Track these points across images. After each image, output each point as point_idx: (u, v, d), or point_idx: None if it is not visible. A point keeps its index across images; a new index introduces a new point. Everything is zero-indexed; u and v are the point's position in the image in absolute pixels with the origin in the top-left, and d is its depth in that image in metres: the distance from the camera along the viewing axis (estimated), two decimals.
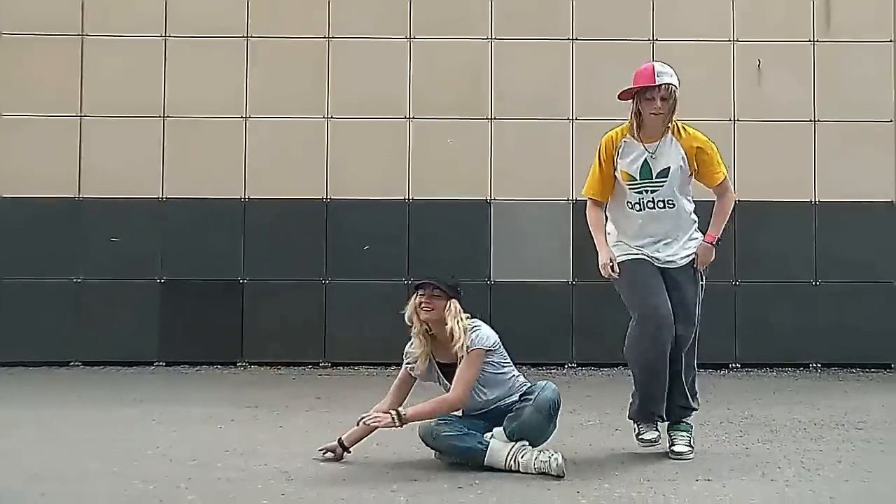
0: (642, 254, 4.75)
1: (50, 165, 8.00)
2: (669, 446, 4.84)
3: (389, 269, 8.02)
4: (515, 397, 4.60)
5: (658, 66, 4.65)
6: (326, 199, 8.05)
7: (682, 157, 4.69)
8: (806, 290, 8.04)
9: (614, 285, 4.79)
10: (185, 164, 8.03)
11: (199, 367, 7.88)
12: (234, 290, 7.98)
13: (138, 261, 7.97)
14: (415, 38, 8.13)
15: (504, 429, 4.51)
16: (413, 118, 8.10)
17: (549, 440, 4.58)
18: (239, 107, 8.06)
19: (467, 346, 4.51)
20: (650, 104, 4.61)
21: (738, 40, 8.15)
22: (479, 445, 4.47)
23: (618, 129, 4.76)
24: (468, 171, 8.06)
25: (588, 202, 4.81)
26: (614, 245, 4.78)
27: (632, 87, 4.64)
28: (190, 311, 7.96)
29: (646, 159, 4.67)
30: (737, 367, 7.97)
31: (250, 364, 7.97)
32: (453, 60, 8.07)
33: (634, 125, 4.68)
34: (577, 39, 8.13)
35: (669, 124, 4.68)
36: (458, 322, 4.49)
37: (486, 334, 4.57)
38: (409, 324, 4.57)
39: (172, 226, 8.00)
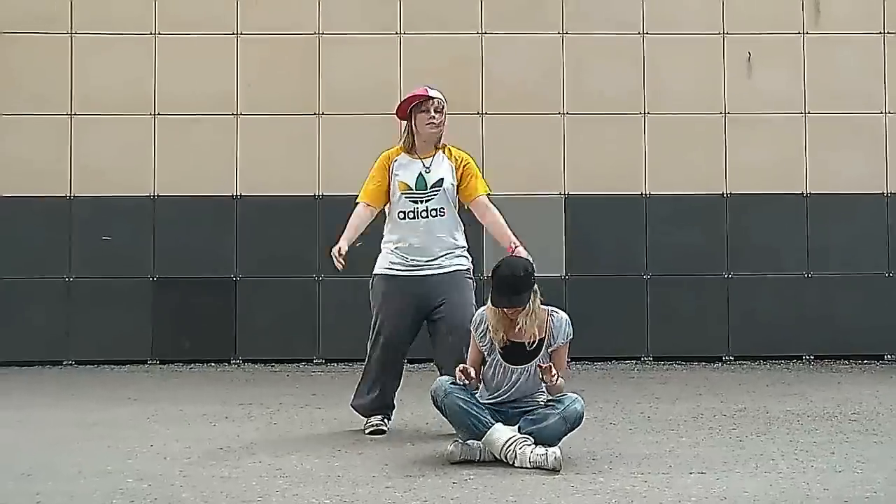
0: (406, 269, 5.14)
1: (41, 164, 7.96)
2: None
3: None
4: (542, 399, 4.63)
5: (430, 88, 5.15)
6: (318, 195, 8.02)
7: (452, 172, 5.15)
8: (798, 281, 8.05)
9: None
10: (176, 161, 8.00)
11: (192, 366, 7.86)
12: (227, 288, 7.96)
13: (130, 259, 7.95)
14: (405, 33, 8.11)
15: (519, 428, 4.51)
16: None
17: None
18: (230, 104, 8.04)
19: (569, 335, 4.60)
20: (425, 116, 5.07)
21: (728, 33, 8.15)
22: (483, 420, 4.48)
23: (395, 147, 5.21)
24: None
25: (359, 206, 5.21)
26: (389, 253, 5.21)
27: (409, 98, 5.08)
28: (183, 309, 7.94)
29: (421, 173, 5.11)
30: (730, 360, 7.99)
31: (244, 362, 7.95)
32: (443, 55, 8.04)
33: (410, 142, 5.14)
34: (566, 34, 8.12)
35: (439, 144, 5.16)
36: (530, 319, 4.52)
37: (567, 321, 4.64)
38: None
39: (164, 223, 7.98)
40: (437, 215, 5.11)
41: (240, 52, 8.07)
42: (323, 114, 8.07)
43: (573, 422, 4.54)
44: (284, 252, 8.01)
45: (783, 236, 8.06)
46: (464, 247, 5.23)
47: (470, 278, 5.23)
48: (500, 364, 4.65)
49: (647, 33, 8.14)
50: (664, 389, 6.81)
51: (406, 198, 5.12)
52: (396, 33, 8.11)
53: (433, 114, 5.08)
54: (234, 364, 7.94)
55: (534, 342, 4.57)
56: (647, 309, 8.00)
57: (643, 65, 8.11)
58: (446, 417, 4.62)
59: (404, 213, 5.14)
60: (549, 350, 4.63)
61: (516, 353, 4.63)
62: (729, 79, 8.13)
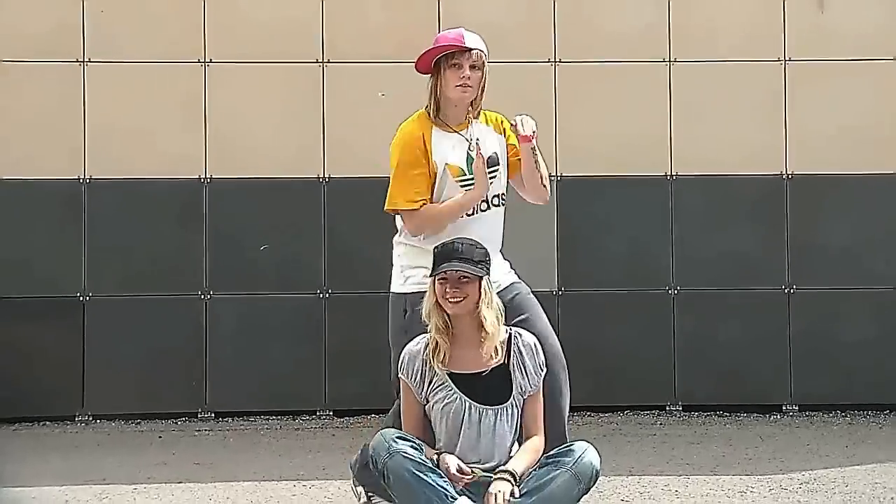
0: None
1: None
2: None
3: (298, 277, 8.00)
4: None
5: (466, 32, 5.12)
6: (205, 178, 7.98)
7: (501, 143, 5.20)
8: (894, 298, 8.07)
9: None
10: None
11: (17, 426, 7.74)
12: (71, 312, 7.87)
13: None
14: None
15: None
16: (328, 62, 8.03)
17: None
18: (73, 47, 7.94)
19: (543, 365, 4.70)
20: (455, 74, 5.02)
21: None
22: (443, 490, 4.45)
23: (413, 118, 5.14)
24: None
25: (406, 215, 5.09)
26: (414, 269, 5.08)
27: (433, 48, 5.04)
28: (3, 344, 7.79)
29: (468, 150, 5.09)
30: (793, 410, 8.01)
31: (95, 418, 7.86)
32: None
33: (435, 108, 5.10)
34: None
35: (475, 109, 5.17)
36: (493, 311, 4.65)
37: (539, 348, 4.73)
38: (425, 321, 4.70)
39: None
40: (499, 204, 5.16)
41: None
42: (210, 62, 8.02)
43: (588, 480, 4.54)
44: (157, 259, 7.97)
45: (870, 234, 8.10)
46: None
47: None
48: (461, 408, 4.63)
49: None
50: (699, 452, 6.83)
51: (462, 186, 5.07)
52: None
53: (467, 71, 5.03)
54: (81, 422, 7.84)
55: (493, 366, 4.61)
56: (673, 337, 8.00)
57: None
58: (389, 490, 4.57)
59: None
60: (520, 386, 4.65)
61: (470, 387, 4.63)
62: (791, 13, 8.14)
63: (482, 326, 4.63)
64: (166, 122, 7.99)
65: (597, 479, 4.56)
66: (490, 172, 5.05)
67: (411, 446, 4.52)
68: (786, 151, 8.10)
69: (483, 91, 5.13)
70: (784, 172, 8.09)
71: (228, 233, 7.99)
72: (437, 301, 4.65)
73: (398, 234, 5.21)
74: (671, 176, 8.03)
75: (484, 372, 4.62)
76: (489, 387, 4.62)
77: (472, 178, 5.03)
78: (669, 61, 8.10)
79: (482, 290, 4.63)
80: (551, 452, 4.61)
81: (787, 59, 8.12)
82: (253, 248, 7.98)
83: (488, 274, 4.66)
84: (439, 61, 5.04)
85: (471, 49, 5.02)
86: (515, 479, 4.47)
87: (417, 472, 4.45)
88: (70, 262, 7.91)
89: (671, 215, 8.05)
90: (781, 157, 8.09)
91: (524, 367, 4.66)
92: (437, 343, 4.65)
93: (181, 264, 7.98)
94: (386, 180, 7.85)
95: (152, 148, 7.96)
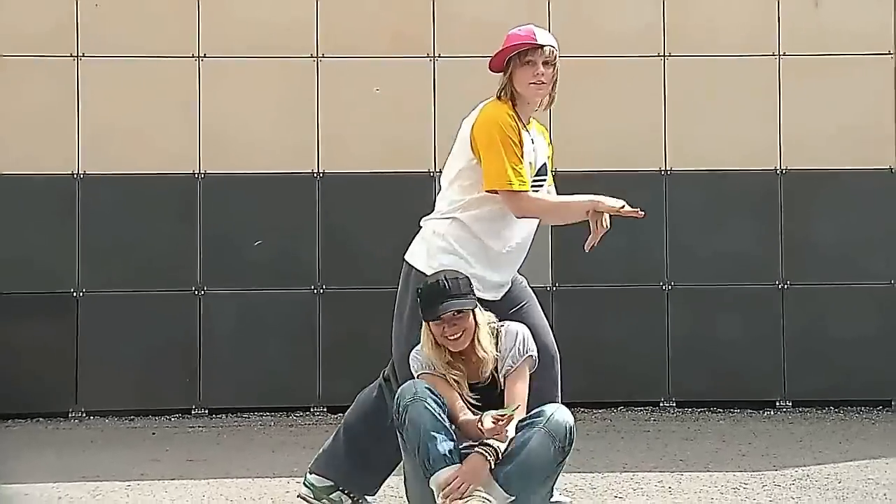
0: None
1: None
2: None
3: (293, 272, 7.98)
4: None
5: (537, 28, 5.04)
6: (199, 173, 7.96)
7: (548, 154, 5.19)
8: (890, 294, 8.06)
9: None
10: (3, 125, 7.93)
11: (10, 422, 7.72)
12: (65, 309, 7.86)
13: None
14: None
15: (495, 477, 4.48)
16: (322, 57, 8.01)
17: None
18: (68, 42, 7.92)
19: (528, 351, 4.67)
20: (529, 71, 4.92)
21: None
22: (443, 451, 4.48)
23: (499, 103, 4.99)
24: (405, 131, 7.95)
25: (514, 196, 4.91)
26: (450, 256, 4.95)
27: (506, 47, 4.95)
28: None
29: (534, 148, 5.04)
30: (786, 406, 8.01)
31: (89, 414, 7.86)
32: None
33: (510, 103, 4.99)
34: None
35: (548, 106, 5.11)
36: (486, 336, 4.66)
37: (525, 333, 4.71)
38: (430, 365, 4.68)
39: None
40: None
41: None
42: (205, 57, 7.99)
43: (563, 438, 4.52)
44: (150, 255, 7.94)
45: (864, 230, 8.09)
46: None
47: None
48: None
49: None
50: (692, 448, 6.84)
51: (533, 186, 5.03)
52: None
53: (541, 68, 4.94)
54: (75, 418, 7.84)
55: (487, 375, 4.65)
56: (667, 333, 8.00)
57: None
58: (400, 432, 4.58)
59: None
60: (502, 375, 4.67)
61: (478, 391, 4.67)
62: (786, 8, 8.13)
63: (475, 350, 4.64)
64: (160, 118, 7.98)
65: (572, 438, 4.54)
66: (538, 180, 5.02)
67: (435, 401, 4.53)
68: (780, 146, 8.09)
69: (554, 90, 5.03)
70: (778, 168, 8.09)
71: (222, 228, 7.99)
72: (435, 342, 4.64)
73: (454, 210, 4.98)
74: (665, 171, 8.03)
75: (480, 382, 4.66)
76: (484, 393, 4.65)
77: (543, 180, 5.07)
78: (664, 56, 8.09)
79: (476, 319, 4.63)
80: (523, 417, 4.60)
81: (781, 54, 8.11)
82: (247, 244, 7.97)
83: (476, 298, 4.64)
84: (511, 59, 4.95)
85: (543, 45, 4.93)
86: (498, 455, 4.45)
87: (432, 431, 4.47)
88: (64, 258, 7.90)
89: (665, 211, 8.04)
90: (776, 153, 8.08)
91: (504, 360, 4.66)
92: (453, 378, 4.64)
93: (175, 260, 7.97)
94: (380, 176, 8.00)
95: (146, 143, 7.94)
